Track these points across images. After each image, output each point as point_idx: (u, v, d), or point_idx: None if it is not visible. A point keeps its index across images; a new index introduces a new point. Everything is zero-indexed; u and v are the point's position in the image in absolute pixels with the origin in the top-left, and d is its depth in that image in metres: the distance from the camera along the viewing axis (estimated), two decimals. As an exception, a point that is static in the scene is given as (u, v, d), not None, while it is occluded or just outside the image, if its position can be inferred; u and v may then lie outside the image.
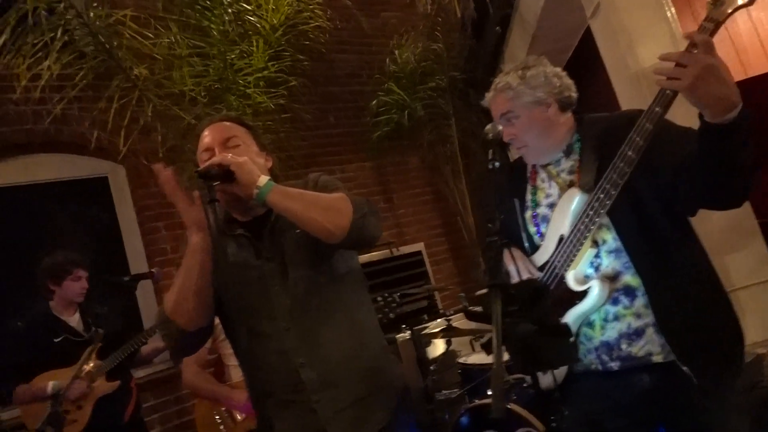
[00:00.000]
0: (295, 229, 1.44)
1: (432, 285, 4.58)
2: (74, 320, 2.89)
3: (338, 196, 1.44)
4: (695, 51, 1.19)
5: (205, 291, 1.35)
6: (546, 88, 1.55)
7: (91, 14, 3.23)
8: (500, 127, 1.40)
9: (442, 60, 5.07)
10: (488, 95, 1.65)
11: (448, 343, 3.69)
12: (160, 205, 4.06)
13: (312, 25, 4.32)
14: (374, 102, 5.02)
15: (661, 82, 1.23)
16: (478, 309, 2.44)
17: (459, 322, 3.83)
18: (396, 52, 5.13)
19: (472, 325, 4.20)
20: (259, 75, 3.82)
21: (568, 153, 1.59)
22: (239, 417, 2.87)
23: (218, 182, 1.32)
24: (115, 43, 3.37)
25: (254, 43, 3.90)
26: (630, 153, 1.34)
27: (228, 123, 1.55)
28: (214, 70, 3.72)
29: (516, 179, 1.70)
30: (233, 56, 3.81)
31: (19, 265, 3.69)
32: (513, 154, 1.83)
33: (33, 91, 3.29)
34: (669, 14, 2.81)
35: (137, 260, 4.05)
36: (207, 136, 1.52)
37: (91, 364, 2.77)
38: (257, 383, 1.47)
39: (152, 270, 2.53)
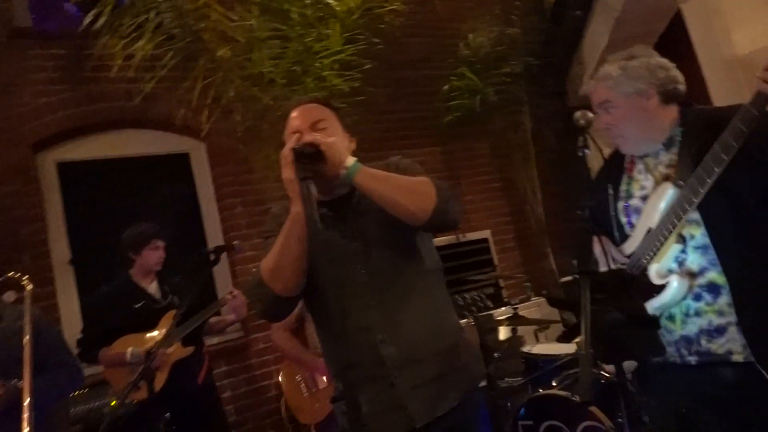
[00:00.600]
0: (377, 210, 1.47)
1: (498, 272, 4.55)
2: (153, 288, 3.07)
3: (422, 179, 1.46)
4: None
5: (302, 260, 1.41)
6: (647, 79, 1.52)
7: (180, -3, 3.38)
8: (591, 115, 1.39)
9: (517, 45, 4.98)
10: (590, 84, 1.63)
11: (513, 331, 3.67)
12: (238, 182, 4.23)
13: (387, 8, 4.33)
14: (446, 87, 4.99)
15: (764, 87, 1.20)
16: (560, 295, 2.41)
17: (525, 311, 3.80)
18: (470, 36, 5.07)
19: (538, 314, 4.17)
20: (335, 58, 3.88)
21: (668, 146, 1.55)
22: (321, 383, 3.01)
23: (309, 161, 1.36)
24: (202, 25, 3.52)
25: (331, 27, 3.96)
26: (722, 154, 1.31)
27: (315, 105, 1.60)
28: (292, 53, 3.82)
29: (613, 168, 1.68)
30: (311, 39, 3.88)
31: (107, 235, 3.98)
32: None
33: (126, 71, 3.49)
34: (770, -2, 2.64)
35: (214, 234, 4.26)
36: (296, 118, 1.56)
37: (172, 329, 2.94)
38: (340, 356, 1.53)
39: (234, 243, 2.65)
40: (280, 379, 3.42)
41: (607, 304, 1.09)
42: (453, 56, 5.10)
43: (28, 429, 1.72)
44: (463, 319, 3.70)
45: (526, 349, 3.29)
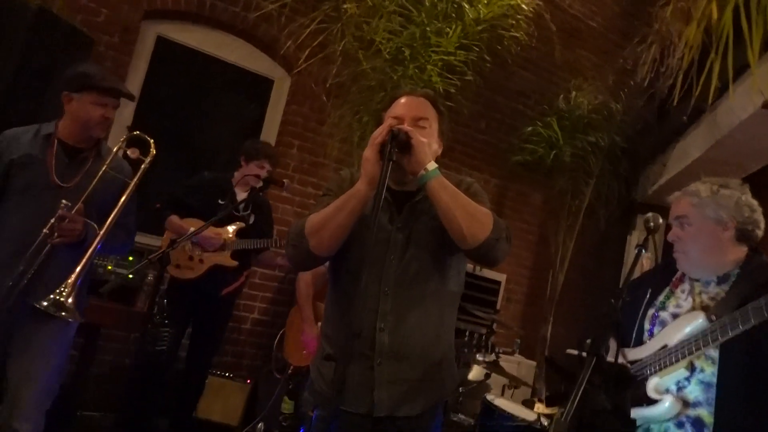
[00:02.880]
0: (432, 216, 1.54)
1: (499, 319, 4.59)
2: (241, 197, 3.26)
3: (486, 210, 1.53)
4: None
5: (345, 231, 1.50)
6: (731, 212, 1.55)
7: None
8: (661, 221, 1.43)
9: (612, 120, 4.96)
10: (674, 194, 1.67)
11: (486, 376, 3.72)
12: (305, 127, 4.34)
13: (510, 33, 4.36)
14: (529, 128, 5.01)
15: None
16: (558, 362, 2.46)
17: (505, 363, 3.85)
18: (573, 92, 5.07)
19: (514, 371, 4.20)
20: (444, 57, 3.94)
21: (721, 281, 1.58)
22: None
23: (398, 149, 1.43)
24: (342, -26, 3.61)
25: (453, 27, 4.01)
26: (764, 311, 1.34)
27: (425, 101, 1.65)
28: (408, 35, 3.88)
29: (660, 275, 1.72)
30: (430, 30, 3.94)
31: (169, 119, 4.15)
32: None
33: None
34: None
35: (262, 163, 4.38)
36: (403, 106, 1.63)
37: (230, 237, 3.14)
38: (342, 322, 1.61)
39: (284, 180, 2.75)
40: (291, 312, 3.59)
41: (601, 390, 1.14)
42: (548, 103, 5.11)
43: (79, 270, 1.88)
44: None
45: (489, 397, 3.34)
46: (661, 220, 1.48)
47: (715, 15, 1.75)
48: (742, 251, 1.59)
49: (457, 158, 5.10)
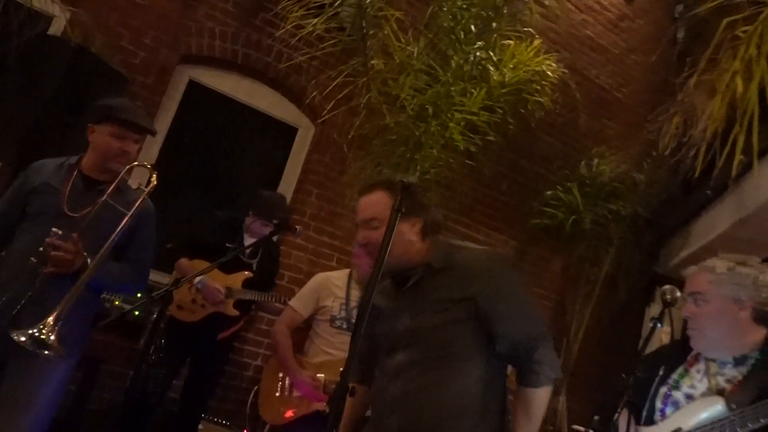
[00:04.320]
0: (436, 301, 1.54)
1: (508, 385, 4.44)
2: (249, 242, 3.25)
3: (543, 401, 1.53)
4: None
5: None
6: (749, 292, 1.49)
7: (368, 1, 3.60)
8: (678, 294, 1.38)
9: (635, 190, 4.92)
10: (691, 269, 1.61)
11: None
12: (325, 176, 4.38)
13: (535, 98, 4.41)
14: (550, 192, 4.99)
15: None
16: None
17: None
18: (595, 160, 5.07)
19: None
20: (467, 117, 3.98)
21: (738, 362, 1.51)
22: (295, 392, 3.03)
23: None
24: (372, 32, 3.72)
25: (478, 88, 4.07)
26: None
27: (375, 196, 1.63)
28: (433, 93, 3.95)
29: (675, 352, 1.65)
30: (455, 90, 4.01)
31: (191, 160, 4.23)
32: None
33: (291, 36, 3.74)
34: None
35: (280, 209, 4.41)
36: (358, 212, 1.67)
37: (237, 286, 3.14)
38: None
39: (297, 227, 2.75)
40: (266, 366, 3.46)
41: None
42: (571, 169, 5.10)
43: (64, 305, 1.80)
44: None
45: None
46: (678, 294, 1.42)
47: (740, 89, 1.73)
48: (760, 333, 1.52)
49: (477, 218, 5.07)
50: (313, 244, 4.30)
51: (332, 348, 2.83)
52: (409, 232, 1.59)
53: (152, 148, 4.01)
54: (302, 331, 3.22)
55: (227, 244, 3.14)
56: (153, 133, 2.36)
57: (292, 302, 2.96)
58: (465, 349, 1.50)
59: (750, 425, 1.33)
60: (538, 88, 4.42)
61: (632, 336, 5.41)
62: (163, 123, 4.04)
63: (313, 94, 3.99)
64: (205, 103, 4.23)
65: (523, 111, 4.53)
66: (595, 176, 5.01)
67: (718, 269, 1.54)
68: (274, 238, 3.36)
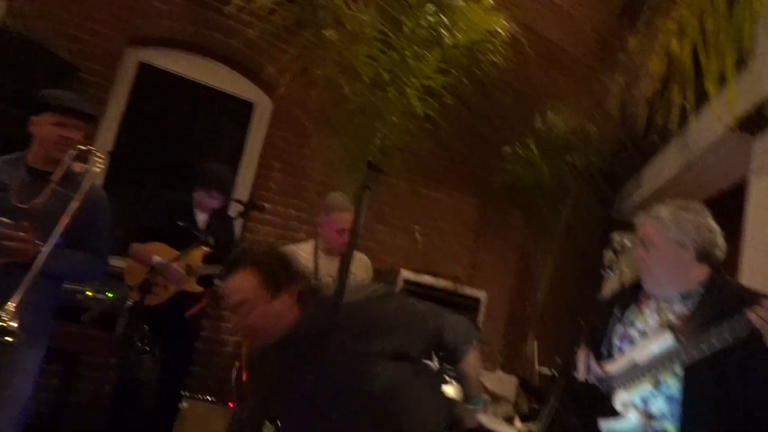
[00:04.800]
0: None
1: (481, 335, 4.63)
2: (201, 219, 3.25)
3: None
4: None
5: None
6: (692, 235, 1.62)
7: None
8: (626, 241, 1.50)
9: (588, 141, 5.09)
10: (640, 216, 1.74)
11: (458, 392, 3.74)
12: (287, 150, 4.39)
13: (488, 58, 4.47)
14: (508, 149, 5.11)
15: (756, 319, 1.31)
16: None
17: (486, 380, 3.88)
18: (549, 113, 5.20)
19: (497, 388, 4.23)
20: (423, 81, 4.03)
21: (685, 298, 1.65)
22: None
23: None
24: (322, 2, 3.70)
25: (432, 52, 4.11)
26: (726, 335, 1.40)
27: (237, 280, 1.55)
28: (388, 60, 3.97)
29: (628, 294, 1.79)
30: (409, 55, 4.04)
31: (150, 143, 4.18)
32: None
33: (242, 11, 3.69)
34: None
35: (243, 187, 4.41)
36: (223, 297, 1.62)
37: (197, 263, 3.13)
38: None
39: (266, 205, 2.79)
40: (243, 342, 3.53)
41: (571, 408, 1.19)
42: (527, 125, 5.22)
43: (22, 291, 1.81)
44: (429, 359, 3.75)
45: (458, 410, 3.36)
46: (626, 241, 1.54)
47: (676, 49, 1.85)
48: (703, 270, 1.66)
49: (439, 180, 5.19)
50: (280, 218, 4.34)
51: None
52: (282, 308, 1.52)
53: (107, 134, 3.94)
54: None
55: (178, 223, 3.12)
56: (93, 118, 2.33)
57: None
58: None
59: (695, 354, 1.47)
60: (491, 47, 4.48)
61: (595, 280, 5.66)
62: (116, 109, 3.96)
63: (268, 69, 3.96)
64: (158, 85, 4.16)
65: (477, 71, 4.59)
66: (550, 130, 5.15)
67: (663, 216, 1.67)
68: (233, 213, 3.36)
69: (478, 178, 5.28)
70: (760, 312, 1.34)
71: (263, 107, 4.48)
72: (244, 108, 4.47)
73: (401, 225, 5.06)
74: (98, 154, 2.11)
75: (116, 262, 3.44)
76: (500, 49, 4.47)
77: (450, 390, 3.48)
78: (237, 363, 3.55)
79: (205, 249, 3.14)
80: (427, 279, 4.93)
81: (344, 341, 1.47)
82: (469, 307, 5.12)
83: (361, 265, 3.14)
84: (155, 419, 3.21)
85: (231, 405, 3.64)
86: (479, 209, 5.41)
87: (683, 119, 2.39)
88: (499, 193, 5.25)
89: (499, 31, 4.43)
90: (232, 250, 3.41)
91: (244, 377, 3.16)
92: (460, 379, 1.66)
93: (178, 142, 4.32)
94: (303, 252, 2.97)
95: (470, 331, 1.69)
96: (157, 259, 2.97)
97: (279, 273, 1.46)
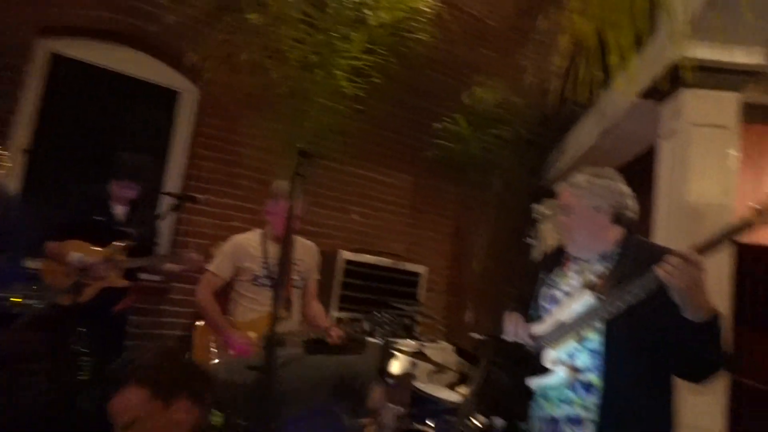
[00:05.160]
0: None
1: (421, 309, 4.77)
2: (120, 210, 3.12)
3: None
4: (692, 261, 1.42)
5: None
6: (606, 199, 1.76)
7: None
8: (547, 212, 1.61)
9: (515, 113, 5.28)
10: (560, 185, 1.86)
11: (412, 365, 3.88)
12: (218, 138, 4.31)
13: (414, 36, 4.53)
14: (438, 125, 5.23)
15: (662, 274, 1.46)
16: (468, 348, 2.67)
17: (429, 350, 4.02)
18: (476, 88, 5.34)
19: (439, 358, 4.40)
20: (351, 62, 4.05)
21: (603, 259, 1.79)
22: (231, 352, 3.10)
23: None
24: (244, -15, 3.62)
25: (358, 32, 4.12)
26: (640, 291, 1.55)
27: (126, 397, 1.43)
28: (314, 42, 3.95)
29: (552, 258, 1.91)
30: (336, 36, 4.03)
31: (71, 139, 4.00)
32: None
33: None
34: (731, 163, 2.98)
35: (174, 179, 4.31)
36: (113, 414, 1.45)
37: (120, 257, 3.00)
38: None
39: (200, 197, 2.75)
40: (193, 334, 3.48)
41: (502, 368, 1.30)
42: (455, 100, 5.35)
43: None
44: (372, 337, 3.85)
45: (418, 384, 3.50)
46: (545, 210, 1.66)
47: (581, 28, 1.99)
48: (618, 232, 1.80)
49: (373, 159, 5.25)
50: (214, 207, 4.28)
51: (259, 305, 2.92)
52: (179, 415, 1.43)
53: (23, 130, 3.74)
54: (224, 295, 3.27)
55: (95, 218, 3.03)
56: None
57: (211, 267, 2.99)
58: None
59: (613, 309, 1.61)
60: (416, 25, 4.53)
61: (526, 247, 5.96)
62: (30, 104, 3.76)
63: (191, 55, 3.85)
64: (74, 78, 3.97)
65: (404, 49, 4.64)
66: (477, 105, 5.30)
67: (580, 183, 1.80)
68: (165, 207, 3.28)
69: (412, 155, 5.39)
70: (665, 267, 1.48)
71: (189, 95, 4.37)
72: (169, 97, 4.34)
73: (338, 206, 5.10)
74: (3, 153, 2.02)
75: (34, 263, 3.31)
76: (425, 26, 4.54)
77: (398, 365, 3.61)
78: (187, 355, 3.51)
79: (127, 242, 3.01)
80: (367, 258, 5.02)
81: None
82: (409, 282, 5.26)
83: (307, 251, 3.17)
84: (95, 420, 3.14)
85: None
86: (414, 185, 5.53)
87: (604, 87, 2.54)
88: (432, 169, 5.38)
89: (423, 8, 4.49)
90: (156, 240, 3.34)
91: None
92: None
93: (101, 137, 4.14)
94: (251, 241, 2.99)
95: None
96: (74, 256, 2.87)
97: (168, 380, 1.38)
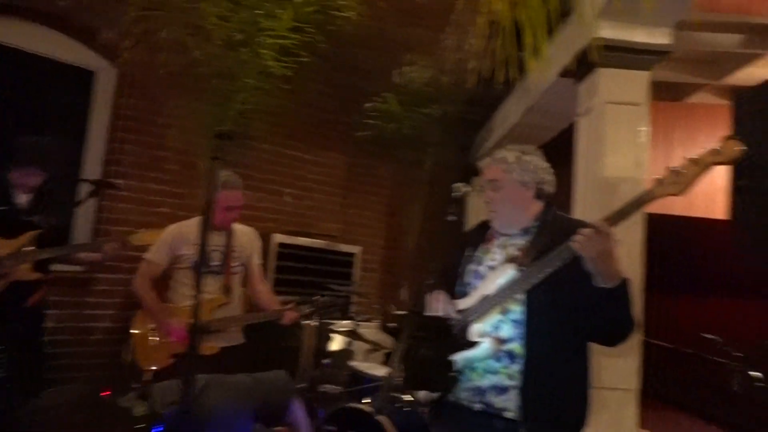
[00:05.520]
0: None
1: (356, 289, 4.81)
2: (23, 198, 2.92)
3: None
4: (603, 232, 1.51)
5: None
6: (532, 175, 1.84)
7: None
8: (468, 189, 1.66)
9: (444, 92, 5.35)
10: (484, 160, 1.91)
11: (348, 344, 3.93)
12: (139, 120, 4.13)
13: (341, 14, 4.48)
14: (370, 105, 5.23)
15: (576, 245, 1.55)
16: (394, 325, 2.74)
17: (365, 329, 4.08)
18: (406, 67, 5.37)
19: (375, 336, 4.48)
20: (278, 41, 3.96)
21: (524, 233, 1.86)
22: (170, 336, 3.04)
23: None
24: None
25: (283, 10, 4.02)
26: (556, 261, 1.63)
27: None
28: (238, 19, 3.83)
29: (476, 234, 1.97)
30: (261, 14, 3.92)
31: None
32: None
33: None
34: (643, 139, 3.16)
35: (93, 164, 4.10)
36: None
37: (29, 247, 2.83)
38: None
39: (118, 183, 2.63)
40: (132, 324, 3.36)
41: (424, 341, 1.34)
42: (386, 79, 5.35)
43: None
44: (308, 320, 3.85)
45: (354, 363, 3.55)
46: (467, 188, 1.72)
47: (495, 8, 2.04)
48: (539, 206, 1.89)
49: (306, 140, 5.19)
50: (138, 193, 4.12)
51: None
52: None
53: None
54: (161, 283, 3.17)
55: None
56: None
57: (148, 255, 2.95)
58: None
59: (533, 280, 1.69)
60: (343, 2, 4.48)
61: (459, 226, 6.10)
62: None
63: (105, 33, 3.65)
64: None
65: (332, 27, 4.58)
66: (408, 83, 5.33)
67: (509, 159, 1.86)
68: (83, 194, 3.11)
69: (344, 135, 5.37)
70: (578, 238, 1.57)
71: (106, 75, 4.15)
72: (83, 77, 4.10)
73: (271, 189, 5.03)
74: None
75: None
76: (352, 2, 4.49)
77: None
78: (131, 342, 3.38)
79: (34, 232, 2.86)
80: (301, 241, 5.00)
81: None
82: (344, 262, 5.29)
83: (246, 237, 3.15)
84: (14, 417, 2.98)
85: (107, 393, 3.49)
86: (347, 165, 5.53)
87: (525, 67, 2.62)
88: (364, 148, 5.39)
89: (349, -16, 4.44)
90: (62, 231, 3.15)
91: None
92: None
93: (12, 121, 3.86)
94: (189, 228, 2.98)
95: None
96: None
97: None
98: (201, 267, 1.26)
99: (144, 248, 3.02)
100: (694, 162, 1.49)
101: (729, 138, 1.46)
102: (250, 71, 3.91)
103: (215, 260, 2.97)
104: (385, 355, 4.13)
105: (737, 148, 1.43)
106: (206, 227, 1.29)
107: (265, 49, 3.96)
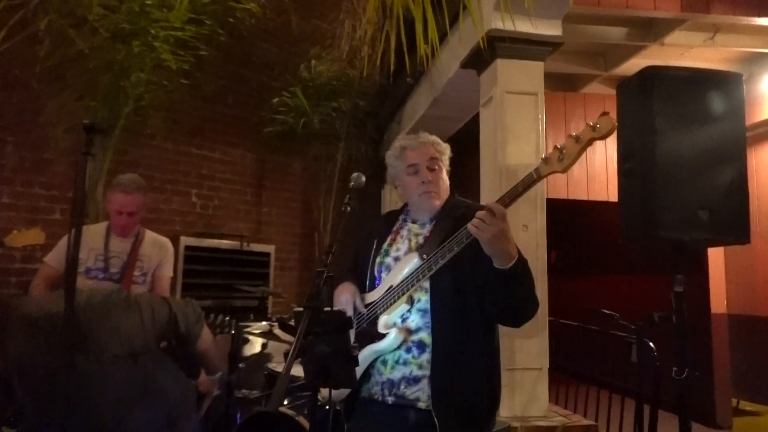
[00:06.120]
0: None
1: (267, 289, 4.69)
2: None
3: None
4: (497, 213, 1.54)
5: None
6: (448, 161, 1.84)
7: None
8: (363, 178, 1.63)
9: (352, 86, 5.32)
10: (415, 140, 1.85)
11: (263, 346, 3.81)
12: (17, 119, 3.79)
13: (241, 6, 4.34)
14: (276, 100, 5.10)
15: (471, 228, 1.56)
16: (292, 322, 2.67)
17: (281, 330, 3.98)
18: (312, 61, 5.29)
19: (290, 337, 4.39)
20: (173, 33, 3.76)
21: (430, 221, 1.85)
22: None
23: None
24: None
25: (177, 1, 3.82)
26: (455, 246, 1.63)
27: None
28: (126, 9, 3.60)
29: (384, 226, 1.93)
30: (150, 3, 3.70)
31: None
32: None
33: None
34: (540, 126, 3.29)
35: (-32, 167, 3.72)
36: None
37: None
38: None
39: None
40: None
41: (322, 337, 1.30)
42: (292, 73, 5.25)
43: None
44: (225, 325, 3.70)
45: (271, 365, 3.45)
46: (363, 179, 1.69)
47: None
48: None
49: (209, 137, 4.98)
50: (24, 200, 3.78)
51: None
52: None
53: None
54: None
55: None
56: None
57: (48, 258, 2.76)
58: None
59: (435, 267, 1.67)
60: (244, -6, 4.34)
61: (372, 219, 6.10)
62: None
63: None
64: None
65: (232, 20, 4.42)
66: (315, 77, 5.26)
67: (439, 141, 1.84)
68: None
69: (251, 131, 5.20)
70: (474, 222, 1.57)
71: (-22, 70, 3.76)
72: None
73: (176, 189, 4.78)
74: None
75: None
76: (253, -4, 4.35)
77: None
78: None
79: None
80: (210, 243, 4.80)
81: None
82: (258, 263, 5.14)
83: (154, 247, 2.91)
84: None
85: None
86: (256, 162, 5.37)
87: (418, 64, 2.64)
88: (274, 144, 5.25)
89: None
90: None
91: None
92: (201, 358, 1.74)
93: None
94: (93, 232, 2.76)
95: (198, 311, 1.76)
96: None
97: None
98: (70, 273, 1.14)
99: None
100: (575, 139, 1.53)
101: (603, 114, 1.51)
102: (144, 65, 3.69)
103: (114, 267, 2.77)
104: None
105: (611, 123, 1.49)
106: (79, 231, 1.17)
107: (160, 41, 3.75)
